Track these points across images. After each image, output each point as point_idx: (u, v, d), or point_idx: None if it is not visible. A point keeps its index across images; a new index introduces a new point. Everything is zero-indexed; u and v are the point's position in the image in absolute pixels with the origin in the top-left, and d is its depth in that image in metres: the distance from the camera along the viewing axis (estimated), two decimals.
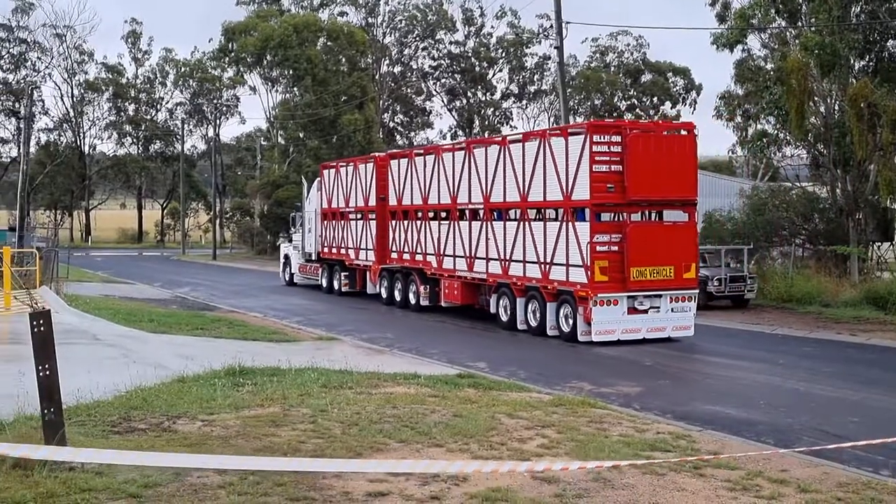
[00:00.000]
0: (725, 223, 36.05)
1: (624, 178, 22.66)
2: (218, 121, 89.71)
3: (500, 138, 28.59)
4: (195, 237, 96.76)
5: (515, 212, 26.11)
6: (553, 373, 18.75)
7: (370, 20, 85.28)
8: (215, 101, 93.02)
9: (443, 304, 29.76)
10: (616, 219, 23.15)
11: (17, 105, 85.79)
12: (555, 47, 37.41)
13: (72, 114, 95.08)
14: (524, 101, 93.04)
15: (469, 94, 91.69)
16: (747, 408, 15.19)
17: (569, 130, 24.32)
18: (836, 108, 35.10)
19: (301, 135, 74.92)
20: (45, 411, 9.37)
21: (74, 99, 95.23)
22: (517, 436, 11.75)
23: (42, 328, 9.35)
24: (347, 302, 34.39)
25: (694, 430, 12.91)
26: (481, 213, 27.54)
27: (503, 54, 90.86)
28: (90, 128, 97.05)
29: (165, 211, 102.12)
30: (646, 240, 22.90)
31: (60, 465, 9.27)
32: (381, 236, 33.74)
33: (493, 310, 26.94)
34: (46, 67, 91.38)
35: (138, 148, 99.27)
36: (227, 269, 57.97)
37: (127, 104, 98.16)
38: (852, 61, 34.43)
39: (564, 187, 23.55)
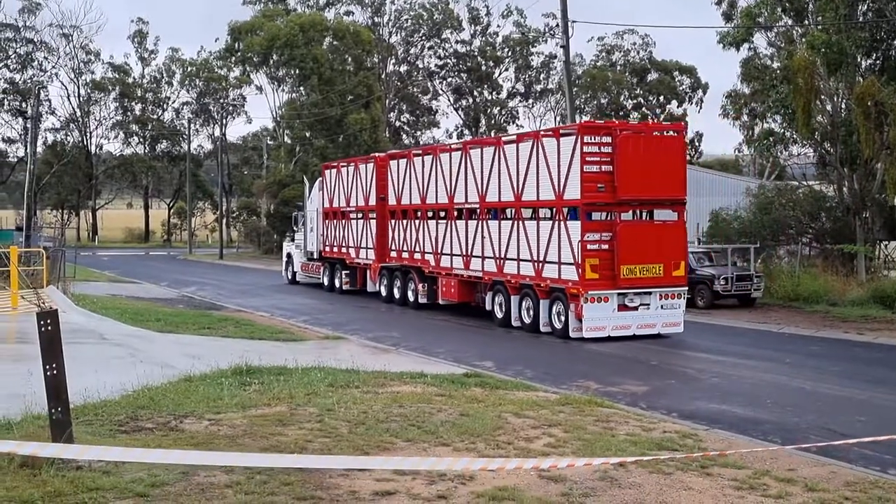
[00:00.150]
0: (732, 222, 36.03)
1: (614, 178, 23.20)
2: (224, 120, 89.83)
3: (494, 139, 29.17)
4: (202, 236, 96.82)
5: (510, 211, 26.61)
6: (559, 372, 18.75)
7: (376, 19, 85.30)
8: (222, 101, 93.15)
9: (440, 301, 30.24)
10: (606, 218, 23.68)
11: (23, 105, 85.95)
12: (561, 46, 37.47)
13: (78, 113, 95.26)
14: (530, 101, 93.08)
15: (475, 93, 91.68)
16: (754, 407, 15.17)
17: (560, 131, 24.78)
18: (843, 106, 35.03)
19: (307, 134, 74.93)
20: (53, 410, 9.39)
21: (81, 98, 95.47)
22: (524, 435, 11.75)
23: (49, 327, 9.37)
24: (351, 301, 34.45)
25: (701, 428, 12.89)
26: (477, 212, 28.05)
27: (509, 53, 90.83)
28: (97, 127, 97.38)
29: (172, 210, 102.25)
30: (635, 238, 23.42)
31: (68, 465, 9.29)
32: (380, 235, 34.24)
33: (488, 307, 27.34)
34: (53, 67, 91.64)
35: (145, 147, 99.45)
36: (234, 269, 58.01)
37: (133, 104, 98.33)
38: (859, 59, 34.37)
39: (556, 187, 24.05)
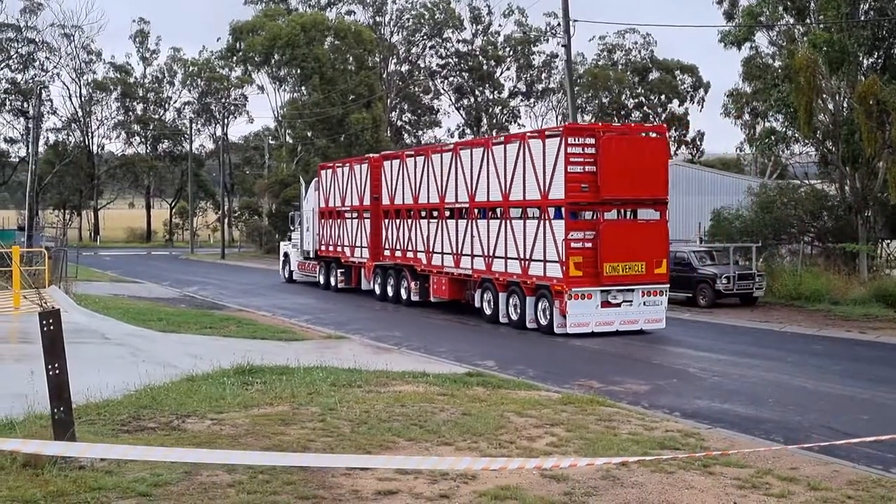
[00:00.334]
0: (734, 221, 36.02)
1: (597, 179, 23.83)
2: (226, 120, 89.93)
3: (483, 140, 29.85)
4: (204, 236, 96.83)
5: (498, 210, 27.24)
6: (562, 371, 18.75)
7: (377, 19, 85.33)
8: (223, 101, 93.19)
9: (432, 299, 30.97)
10: (590, 217, 24.39)
11: (25, 105, 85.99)
12: (562, 45, 37.48)
13: (80, 113, 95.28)
14: (532, 100, 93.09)
15: (477, 92, 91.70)
16: (756, 405, 15.17)
17: (546, 133, 25.47)
18: (845, 105, 35.00)
19: (309, 134, 74.97)
20: (55, 410, 9.40)
21: (83, 98, 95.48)
22: (526, 434, 11.75)
23: (52, 327, 9.38)
24: (349, 299, 34.52)
25: (703, 427, 12.90)
26: (467, 212, 28.71)
27: (511, 52, 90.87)
28: (98, 127, 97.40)
29: (174, 210, 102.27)
30: (618, 237, 24.08)
31: (70, 464, 9.30)
32: (374, 234, 34.98)
33: (477, 304, 28.07)
34: (55, 67, 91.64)
35: (146, 147, 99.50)
36: (236, 268, 58.04)
37: (135, 104, 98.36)
38: (861, 58, 34.36)
39: (542, 187, 24.74)
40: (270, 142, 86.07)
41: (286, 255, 44.93)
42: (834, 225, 35.96)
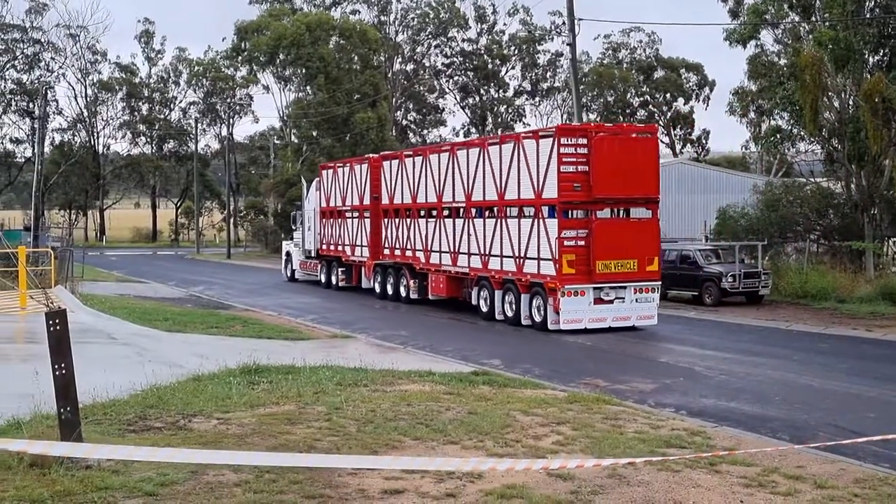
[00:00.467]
0: (739, 219, 35.99)
1: (590, 178, 24.30)
2: (231, 120, 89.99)
3: (479, 141, 30.26)
4: (209, 236, 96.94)
5: (493, 209, 27.67)
6: (567, 369, 18.75)
7: (382, 18, 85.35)
8: (228, 100, 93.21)
9: (430, 297, 31.49)
10: (583, 216, 24.83)
11: (31, 105, 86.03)
12: (567, 44, 37.39)
13: (85, 114, 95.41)
14: (537, 98, 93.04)
15: (482, 91, 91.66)
16: (762, 404, 15.15)
17: (539, 133, 26.01)
18: (851, 103, 34.95)
19: (314, 133, 75.01)
20: (62, 410, 9.40)
21: (88, 99, 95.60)
22: (532, 433, 11.74)
23: (58, 327, 9.39)
24: (353, 298, 34.57)
25: (709, 426, 12.88)
26: (463, 211, 29.17)
27: (516, 51, 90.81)
28: (104, 127, 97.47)
29: (179, 210, 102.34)
30: (610, 235, 24.55)
31: (77, 464, 9.31)
32: (374, 234, 35.59)
33: (474, 302, 28.57)
34: (60, 67, 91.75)
35: (152, 147, 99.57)
36: (242, 268, 58.09)
37: (140, 104, 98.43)
38: (867, 56, 34.30)
39: (536, 186, 25.18)
40: (276, 141, 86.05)
41: (288, 254, 45.48)
42: (840, 223, 35.90)
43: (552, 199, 24.53)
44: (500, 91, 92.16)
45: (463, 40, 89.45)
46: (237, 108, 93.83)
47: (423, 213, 31.82)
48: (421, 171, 31.62)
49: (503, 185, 26.73)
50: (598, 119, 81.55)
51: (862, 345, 23.08)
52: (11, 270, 30.52)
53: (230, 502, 8.66)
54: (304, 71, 73.23)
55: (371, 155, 39.34)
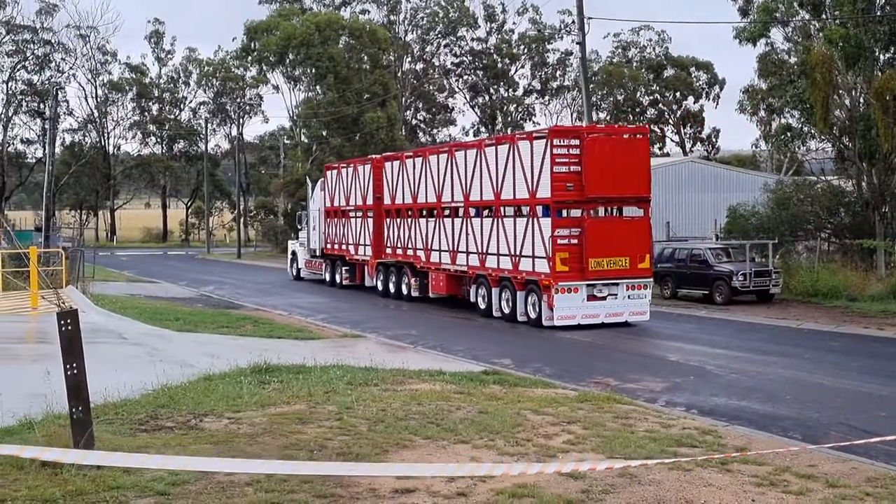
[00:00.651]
0: (750, 218, 35.88)
1: (582, 178, 24.88)
2: (241, 120, 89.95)
3: (476, 142, 31.06)
4: (220, 236, 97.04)
5: (490, 209, 28.47)
6: (578, 368, 18.74)
7: (392, 18, 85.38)
8: (238, 100, 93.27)
9: (431, 294, 32.08)
10: (576, 215, 25.49)
11: (41, 106, 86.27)
12: (577, 43, 37.46)
13: (96, 114, 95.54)
14: (546, 97, 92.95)
15: (491, 90, 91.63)
16: (774, 403, 15.12)
17: (533, 135, 26.85)
18: (862, 100, 34.83)
19: (324, 133, 75.02)
20: (74, 410, 9.42)
21: (98, 99, 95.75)
22: (543, 432, 11.73)
23: (69, 327, 9.40)
24: (361, 297, 34.64)
25: (720, 425, 12.86)
26: (462, 210, 29.74)
27: (525, 50, 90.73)
28: (114, 128, 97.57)
29: (190, 210, 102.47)
30: (602, 233, 25.17)
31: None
32: (377, 233, 36.36)
33: (472, 299, 29.31)
34: (70, 68, 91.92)
35: (162, 147, 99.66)
36: (252, 268, 58.15)
37: (150, 104, 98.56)
38: (877, 53, 34.17)
39: (530, 186, 25.80)
40: (286, 141, 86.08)
41: (294, 253, 46.15)
42: (851, 221, 35.77)
43: (546, 198, 25.09)
44: (510, 90, 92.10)
45: (472, 39, 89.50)
46: (247, 108, 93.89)
47: (423, 212, 32.47)
48: (421, 172, 32.30)
49: (499, 186, 27.35)
50: (608, 118, 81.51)
51: (873, 343, 23.01)
52: (23, 270, 30.61)
53: (242, 502, 8.67)
54: (313, 71, 73.25)
55: (373, 156, 39.93)
